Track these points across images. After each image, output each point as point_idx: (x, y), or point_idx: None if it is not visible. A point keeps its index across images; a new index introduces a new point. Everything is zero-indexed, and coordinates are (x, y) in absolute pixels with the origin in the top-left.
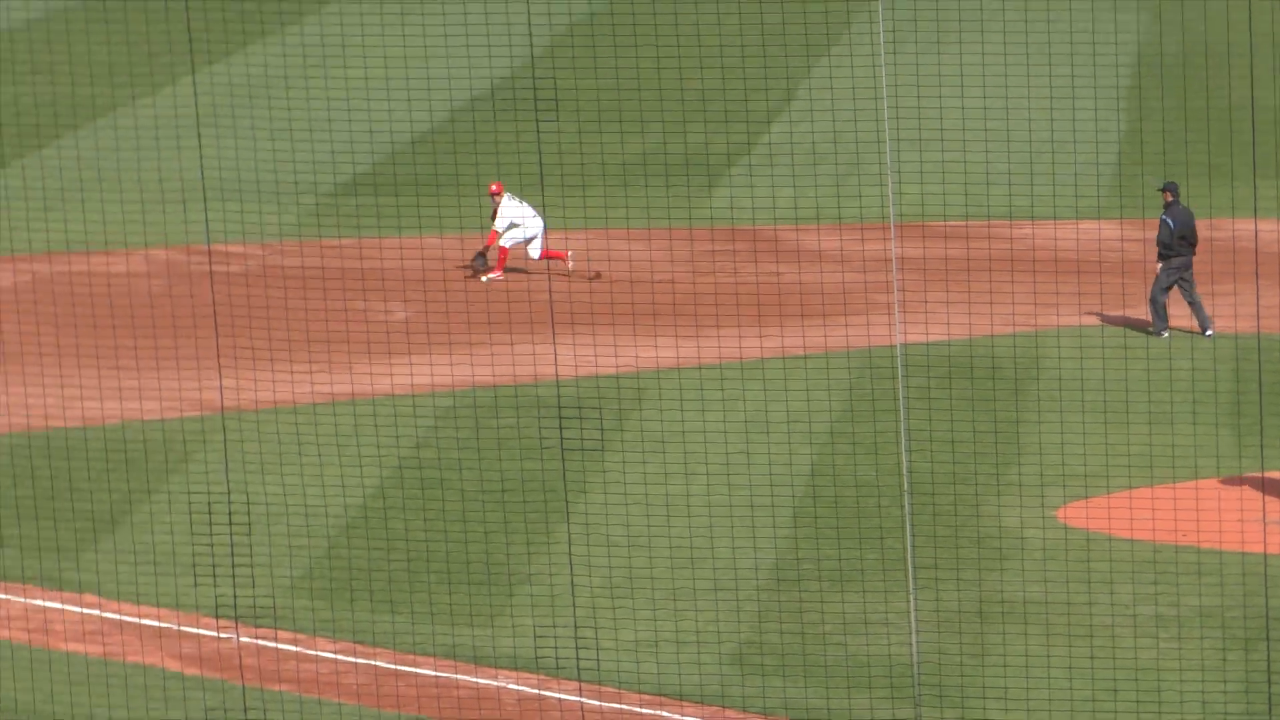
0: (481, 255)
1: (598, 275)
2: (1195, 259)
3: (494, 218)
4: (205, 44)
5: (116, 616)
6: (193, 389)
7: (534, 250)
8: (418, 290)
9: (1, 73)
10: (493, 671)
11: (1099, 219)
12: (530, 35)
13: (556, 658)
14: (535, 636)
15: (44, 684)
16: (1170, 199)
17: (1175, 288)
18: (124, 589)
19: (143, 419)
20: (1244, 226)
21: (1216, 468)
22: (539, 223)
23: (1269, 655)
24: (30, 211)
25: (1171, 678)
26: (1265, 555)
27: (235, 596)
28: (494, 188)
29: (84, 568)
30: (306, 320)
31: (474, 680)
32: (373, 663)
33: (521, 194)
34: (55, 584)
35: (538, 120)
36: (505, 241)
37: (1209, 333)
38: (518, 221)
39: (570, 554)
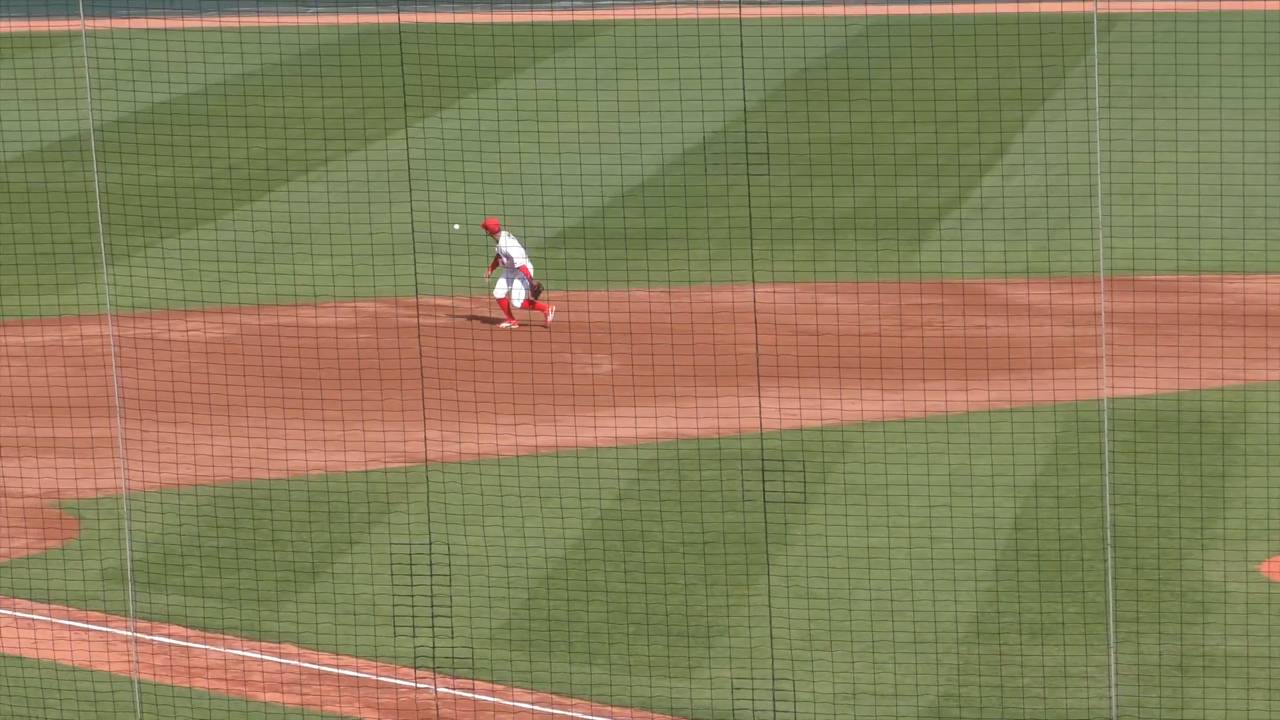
0: (534, 289)
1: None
2: None
3: (497, 262)
4: (419, 98)
5: (315, 666)
6: (397, 441)
7: (518, 296)
8: (624, 343)
9: (213, 128)
10: None
11: None
12: (744, 90)
13: (754, 710)
14: (733, 689)
15: None
16: None
17: None
18: (323, 639)
19: (346, 470)
20: None
21: None
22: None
23: None
24: (240, 265)
25: None
26: None
27: (434, 647)
28: (491, 224)
29: (284, 618)
30: (512, 372)
31: None
32: (570, 714)
33: (523, 234)
34: (255, 634)
35: (749, 174)
36: (498, 293)
37: None
38: (519, 260)
39: (770, 606)
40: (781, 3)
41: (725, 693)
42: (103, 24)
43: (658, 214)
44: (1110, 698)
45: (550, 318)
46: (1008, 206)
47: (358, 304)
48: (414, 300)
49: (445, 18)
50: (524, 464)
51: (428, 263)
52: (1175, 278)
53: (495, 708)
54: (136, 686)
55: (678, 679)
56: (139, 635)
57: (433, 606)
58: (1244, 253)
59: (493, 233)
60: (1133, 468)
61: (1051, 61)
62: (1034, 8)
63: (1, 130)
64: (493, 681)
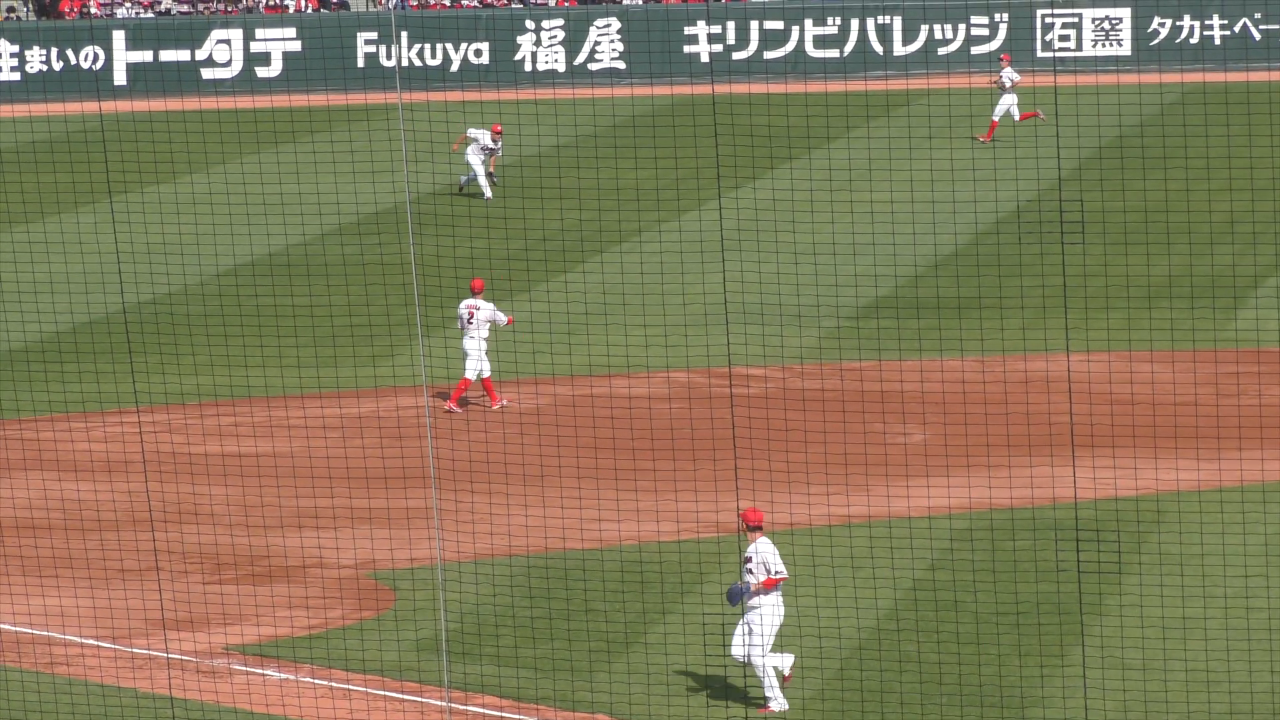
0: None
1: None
2: None
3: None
4: (732, 168)
5: None
6: (709, 510)
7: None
8: (936, 412)
9: (527, 199)
10: None
11: None
12: (1058, 156)
13: None
14: None
15: None
16: None
17: None
18: (636, 709)
19: (659, 540)
20: None
21: None
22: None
23: None
24: (554, 335)
25: None
26: None
27: (748, 716)
28: (476, 284)
29: (597, 687)
30: (824, 442)
31: None
32: None
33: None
34: (569, 704)
35: (1063, 241)
36: (470, 374)
37: None
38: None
39: (1085, 677)
40: (1096, 70)
41: None
42: (419, 97)
43: (970, 282)
44: None
45: (501, 404)
46: None
47: (670, 374)
48: (726, 370)
49: (759, 88)
50: (836, 533)
51: (740, 332)
52: None
53: None
54: None
55: None
56: (453, 705)
57: (745, 676)
58: None
59: (476, 293)
60: None
61: None
62: None
63: (320, 203)
64: None
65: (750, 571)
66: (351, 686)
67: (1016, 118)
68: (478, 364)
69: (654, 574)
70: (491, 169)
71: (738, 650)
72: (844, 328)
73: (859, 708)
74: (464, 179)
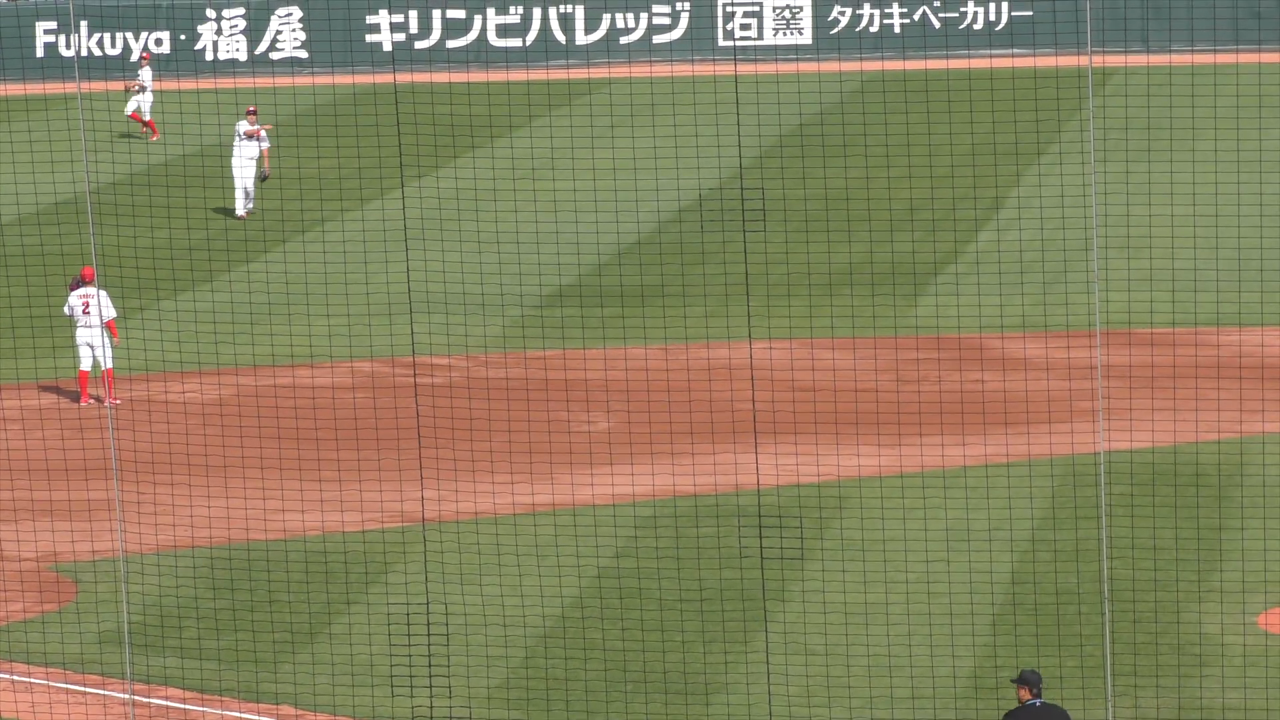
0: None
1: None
2: None
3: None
4: (415, 157)
5: None
6: (394, 500)
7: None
8: (621, 400)
9: (209, 188)
10: None
11: None
12: (739, 146)
13: None
14: None
15: None
16: None
17: None
18: (321, 700)
19: (344, 531)
20: None
21: None
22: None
23: None
24: (236, 325)
25: None
26: None
27: (432, 707)
28: (87, 273)
29: (282, 679)
30: (509, 431)
31: None
32: None
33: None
34: (253, 695)
35: (745, 230)
36: (84, 365)
37: None
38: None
39: (768, 663)
40: (776, 59)
41: None
42: (99, 86)
43: (654, 271)
44: None
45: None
46: (1004, 261)
47: (354, 364)
48: (410, 359)
49: (441, 77)
50: (521, 522)
51: (424, 322)
52: (1171, 330)
53: None
54: None
55: None
56: (137, 698)
57: (430, 666)
58: (1240, 305)
59: (89, 282)
60: (1130, 521)
61: (1047, 116)
62: (1029, 62)
63: None
64: None
65: None
66: (34, 680)
67: (146, 116)
68: (98, 355)
69: (339, 565)
70: (266, 169)
71: None
72: (528, 316)
73: (544, 696)
74: (241, 206)
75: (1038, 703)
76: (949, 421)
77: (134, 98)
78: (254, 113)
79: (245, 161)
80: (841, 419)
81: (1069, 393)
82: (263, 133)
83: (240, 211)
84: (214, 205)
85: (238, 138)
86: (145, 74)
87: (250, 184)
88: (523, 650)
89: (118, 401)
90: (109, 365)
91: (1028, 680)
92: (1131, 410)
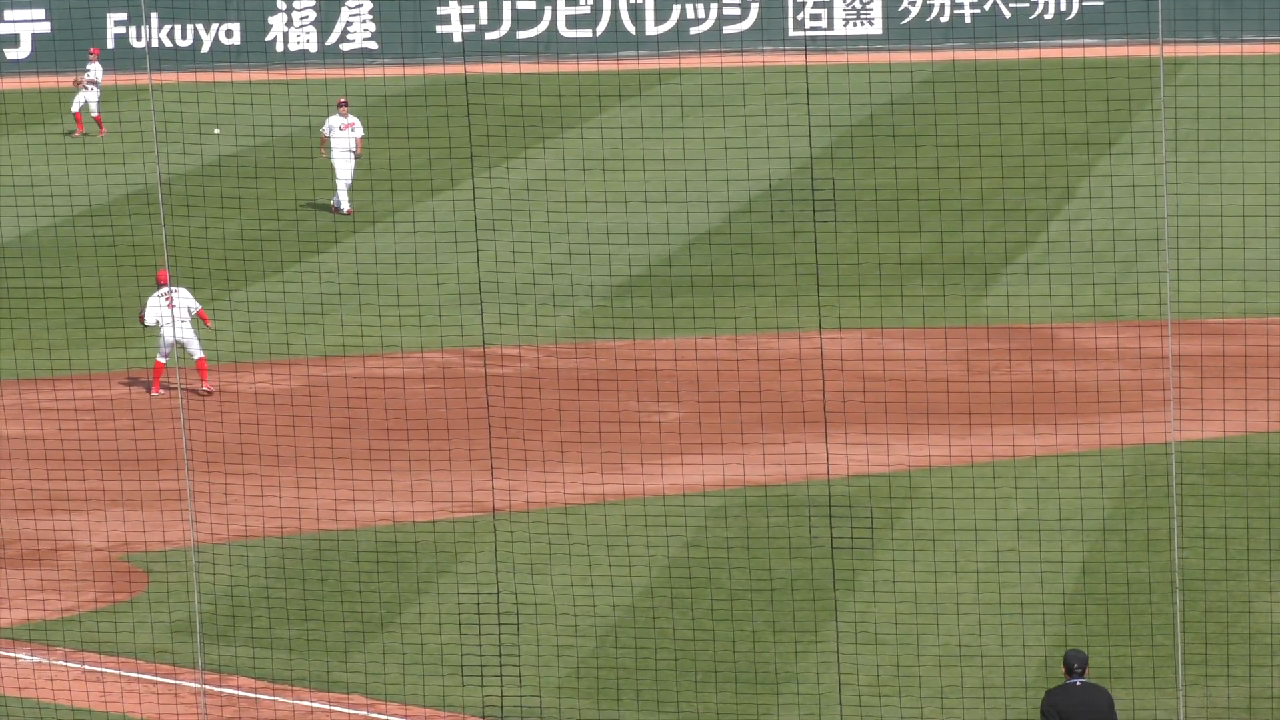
0: None
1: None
2: None
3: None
4: (485, 148)
5: (384, 718)
6: (464, 490)
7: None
8: (691, 390)
9: (280, 178)
10: None
11: None
12: (809, 136)
13: None
14: None
15: None
16: None
17: None
18: (391, 689)
19: (414, 521)
20: None
21: None
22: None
23: None
24: (307, 316)
25: None
26: None
27: (502, 696)
28: (161, 276)
29: (352, 668)
30: (579, 421)
31: None
32: None
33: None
34: (324, 685)
35: (815, 220)
36: (161, 357)
37: None
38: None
39: (838, 653)
40: (847, 49)
41: None
42: (169, 78)
43: (724, 261)
44: None
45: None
46: (1075, 251)
47: (425, 354)
48: (481, 350)
49: (511, 68)
50: (591, 512)
51: (494, 312)
52: (1243, 320)
53: None
54: None
55: None
56: (208, 687)
57: (501, 656)
58: None
59: (163, 284)
60: (1201, 511)
61: (1118, 105)
62: (1100, 52)
63: (70, 185)
64: None
65: None
66: (105, 670)
67: (94, 112)
68: (190, 348)
69: (409, 554)
70: (358, 149)
71: None
72: (598, 307)
73: (614, 686)
74: (335, 201)
75: (1078, 682)
76: (1019, 411)
77: (81, 93)
78: (345, 104)
79: (343, 155)
80: (912, 409)
81: (1140, 382)
82: (356, 122)
83: (346, 207)
84: (284, 197)
85: (330, 131)
86: (95, 69)
87: (350, 178)
88: (593, 640)
89: (211, 390)
90: (200, 355)
91: (1066, 661)
92: (1203, 400)
